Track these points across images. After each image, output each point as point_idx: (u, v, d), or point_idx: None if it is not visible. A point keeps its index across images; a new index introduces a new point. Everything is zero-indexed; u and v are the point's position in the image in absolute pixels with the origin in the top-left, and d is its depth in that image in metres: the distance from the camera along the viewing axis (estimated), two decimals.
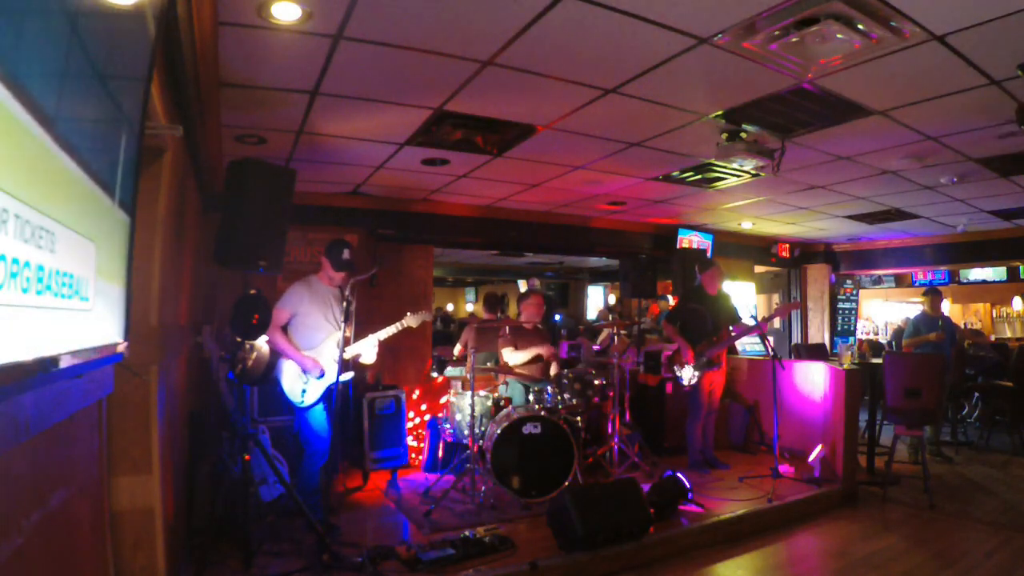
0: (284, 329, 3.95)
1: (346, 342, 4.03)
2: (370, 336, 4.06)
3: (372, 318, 4.97)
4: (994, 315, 11.50)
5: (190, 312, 4.26)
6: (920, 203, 6.62)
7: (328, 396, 3.97)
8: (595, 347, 6.63)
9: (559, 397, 5.06)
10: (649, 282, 6.95)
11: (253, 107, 3.75)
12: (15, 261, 1.01)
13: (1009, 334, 11.11)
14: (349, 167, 5.22)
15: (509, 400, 5.16)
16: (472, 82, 3.42)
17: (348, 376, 4.07)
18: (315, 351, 3.95)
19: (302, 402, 3.92)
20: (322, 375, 3.92)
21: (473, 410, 4.55)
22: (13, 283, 1.01)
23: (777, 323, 10.21)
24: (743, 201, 6.72)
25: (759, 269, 9.75)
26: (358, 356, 4.08)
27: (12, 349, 1.02)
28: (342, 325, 4.02)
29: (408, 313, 4.22)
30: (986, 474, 5.78)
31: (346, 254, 4.05)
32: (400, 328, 4.18)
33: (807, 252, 9.89)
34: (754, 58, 3.09)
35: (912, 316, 7.48)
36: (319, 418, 3.96)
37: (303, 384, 3.92)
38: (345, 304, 3.83)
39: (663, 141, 4.51)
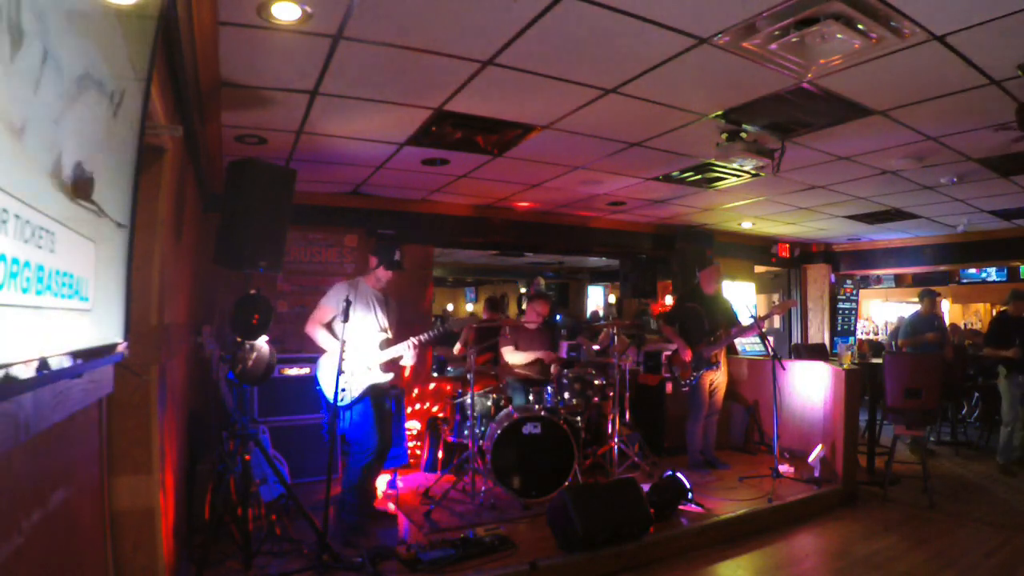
0: (327, 327, 4.02)
1: (388, 343, 4.11)
2: (410, 339, 4.11)
3: None
4: (994, 315, 11.49)
5: (190, 312, 4.26)
6: (920, 203, 6.62)
7: (372, 395, 4.01)
8: (595, 347, 6.63)
9: (559, 397, 5.07)
10: (649, 282, 6.96)
11: (253, 107, 3.75)
12: (15, 261, 1.01)
13: None
14: (349, 167, 5.21)
15: (509, 400, 5.16)
16: (472, 82, 3.41)
17: (389, 377, 4.12)
18: (356, 351, 3.97)
19: (341, 400, 3.93)
20: (359, 372, 3.97)
21: (473, 410, 4.55)
22: (13, 283, 1.01)
23: (777, 323, 10.21)
24: (743, 201, 6.71)
25: (759, 269, 9.75)
26: (399, 357, 4.13)
27: (12, 349, 1.02)
28: (385, 327, 4.11)
29: (449, 318, 4.29)
30: (986, 474, 5.78)
31: (397, 254, 4.12)
32: (440, 331, 4.29)
33: (807, 252, 9.89)
34: (754, 58, 3.09)
35: (907, 316, 7.52)
36: (361, 416, 3.98)
37: (341, 382, 3.91)
38: (345, 304, 3.79)
39: (663, 141, 4.51)
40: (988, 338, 6.17)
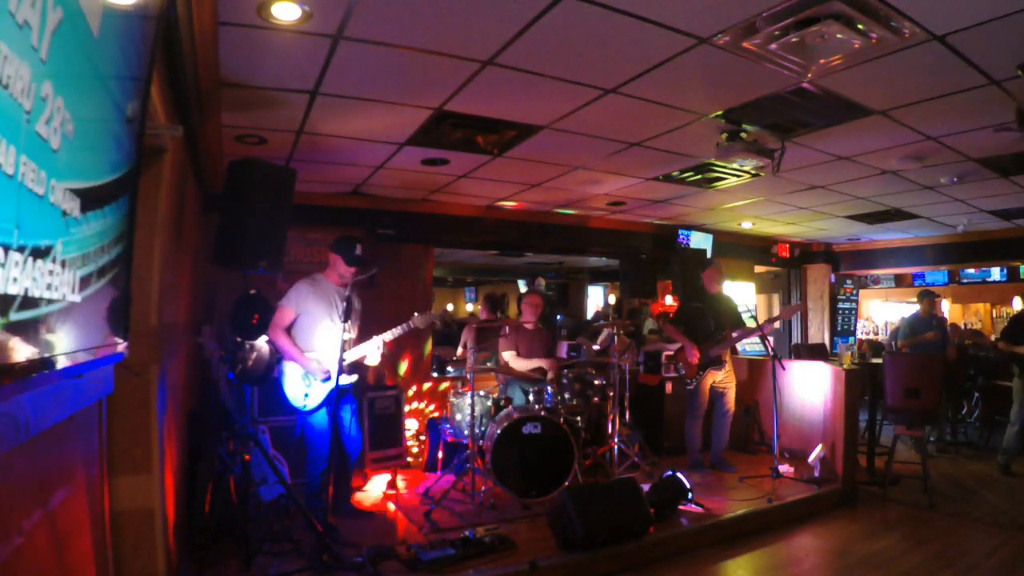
0: (288, 329, 3.87)
1: (351, 344, 3.99)
2: (375, 338, 3.98)
3: (372, 318, 4.96)
4: (994, 315, 11.48)
5: (190, 312, 4.26)
6: (920, 203, 6.62)
7: (332, 399, 3.90)
8: (595, 347, 6.63)
9: (559, 397, 5.06)
10: (649, 282, 6.96)
11: (253, 107, 3.75)
12: (15, 263, 1.01)
13: None
14: (349, 167, 5.22)
15: (509, 400, 5.16)
16: (472, 82, 3.41)
17: (352, 379, 3.99)
18: (318, 353, 3.87)
19: (305, 406, 3.86)
20: (327, 378, 3.82)
21: (473, 410, 4.55)
22: (14, 284, 1.01)
23: (777, 324, 10.21)
24: (743, 201, 6.72)
25: (759, 269, 9.75)
26: (363, 358, 4.01)
27: (13, 349, 1.02)
28: (347, 326, 3.95)
29: (415, 314, 4.15)
30: (986, 474, 5.78)
31: (359, 249, 3.96)
32: (407, 330, 4.08)
33: (807, 252, 9.89)
34: (754, 58, 3.09)
35: (906, 316, 7.55)
36: (321, 422, 3.88)
37: (306, 387, 3.86)
38: (345, 304, 3.74)
39: (663, 141, 4.51)
40: (1004, 333, 6.11)
